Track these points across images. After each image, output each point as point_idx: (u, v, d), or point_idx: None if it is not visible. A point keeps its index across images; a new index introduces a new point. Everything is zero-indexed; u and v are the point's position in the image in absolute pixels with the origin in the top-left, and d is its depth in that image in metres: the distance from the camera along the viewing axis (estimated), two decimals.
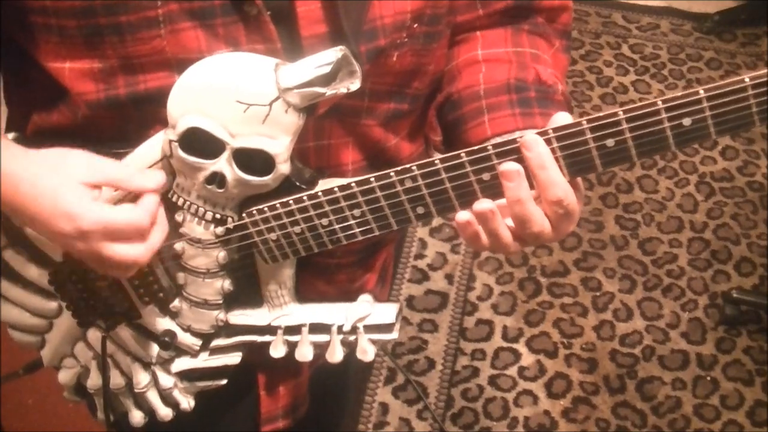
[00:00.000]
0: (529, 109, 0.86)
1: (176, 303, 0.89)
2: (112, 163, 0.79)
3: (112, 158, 0.81)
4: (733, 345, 2.13)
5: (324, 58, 0.72)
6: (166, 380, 0.93)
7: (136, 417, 0.97)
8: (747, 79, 0.68)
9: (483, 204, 0.75)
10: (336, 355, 0.88)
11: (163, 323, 0.91)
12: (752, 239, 2.37)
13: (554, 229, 0.77)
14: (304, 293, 0.90)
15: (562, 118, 0.75)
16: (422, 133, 0.96)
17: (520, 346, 2.14)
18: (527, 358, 2.12)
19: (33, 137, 0.87)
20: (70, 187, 0.75)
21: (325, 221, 0.80)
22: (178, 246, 0.85)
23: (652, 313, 2.20)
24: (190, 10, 0.74)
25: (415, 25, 0.81)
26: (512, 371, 2.09)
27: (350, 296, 0.90)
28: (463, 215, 0.76)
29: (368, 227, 0.80)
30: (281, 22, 0.76)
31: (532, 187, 0.75)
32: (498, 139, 0.83)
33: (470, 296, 2.25)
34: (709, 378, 2.07)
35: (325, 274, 0.93)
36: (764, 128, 2.66)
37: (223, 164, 0.77)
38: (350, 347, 0.87)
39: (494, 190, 0.76)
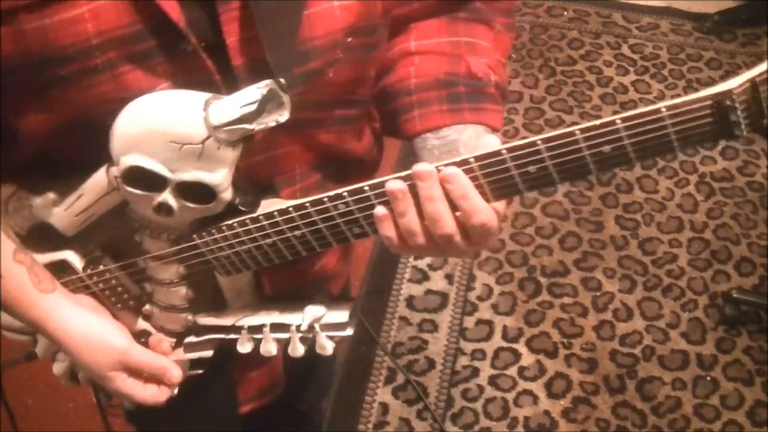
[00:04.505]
0: (458, 105, 0.87)
1: (147, 307, 0.94)
2: (143, 354, 0.90)
3: (58, 188, 0.85)
4: (733, 345, 2.13)
5: (249, 97, 0.74)
6: None
7: (127, 402, 1.01)
8: (663, 109, 0.68)
9: (395, 183, 0.76)
10: (297, 350, 0.91)
11: (139, 323, 0.96)
12: (752, 239, 2.37)
13: (475, 244, 0.78)
14: (268, 285, 0.94)
15: (489, 142, 0.76)
16: (371, 125, 0.97)
17: (520, 346, 2.14)
18: (527, 358, 2.12)
19: None
20: (103, 370, 0.87)
21: (269, 241, 0.83)
22: (141, 261, 0.89)
23: (652, 313, 2.20)
24: (128, 54, 0.75)
25: (350, 39, 0.82)
26: (512, 371, 2.09)
27: (314, 278, 0.96)
28: (380, 209, 0.77)
29: (310, 246, 0.83)
30: (216, 55, 0.77)
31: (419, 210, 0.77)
32: (431, 136, 0.86)
33: (470, 296, 2.25)
34: (709, 378, 2.07)
35: (286, 265, 0.95)
36: None
37: (168, 196, 0.80)
38: (310, 343, 0.91)
39: None
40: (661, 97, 2.76)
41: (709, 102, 0.67)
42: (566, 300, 2.24)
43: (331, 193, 0.78)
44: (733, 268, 2.30)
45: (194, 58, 0.76)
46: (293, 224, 0.81)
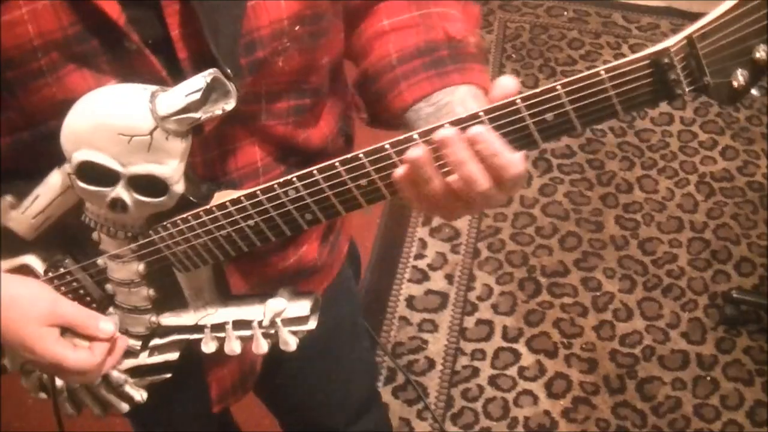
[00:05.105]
0: (444, 68, 0.86)
1: (111, 310, 0.93)
2: (72, 307, 0.86)
3: (15, 191, 0.85)
4: (733, 345, 2.13)
5: (193, 85, 0.74)
6: (117, 377, 0.97)
7: (96, 411, 1.00)
8: (603, 72, 0.68)
9: (417, 150, 0.74)
10: (261, 347, 0.91)
11: None
12: (752, 239, 2.37)
13: (507, 193, 0.76)
14: (236, 283, 0.94)
15: (503, 82, 0.74)
16: (332, 115, 0.96)
17: (520, 346, 2.14)
18: (527, 358, 2.12)
19: None
20: (32, 327, 0.83)
21: (224, 233, 0.84)
22: (101, 261, 0.89)
23: (652, 313, 2.20)
24: (71, 55, 0.75)
25: (297, 28, 0.82)
26: (512, 371, 2.09)
27: (290, 271, 0.95)
28: (399, 170, 0.75)
29: (264, 235, 0.83)
30: (161, 50, 0.77)
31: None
32: (423, 105, 0.84)
33: (470, 296, 2.25)
34: (709, 378, 2.07)
35: (256, 261, 0.95)
36: (764, 128, 2.67)
37: (121, 190, 0.80)
38: (273, 339, 0.91)
39: (374, 194, 0.78)
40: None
41: (647, 62, 0.67)
42: (566, 300, 2.24)
43: (281, 180, 0.79)
44: (733, 268, 2.30)
45: (139, 56, 0.76)
46: (246, 213, 0.81)
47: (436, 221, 2.43)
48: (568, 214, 2.45)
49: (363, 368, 1.40)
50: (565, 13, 3.14)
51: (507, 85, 0.73)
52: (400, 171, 0.75)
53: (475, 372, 2.10)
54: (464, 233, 2.41)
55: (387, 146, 0.75)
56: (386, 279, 2.30)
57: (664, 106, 2.73)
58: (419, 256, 2.35)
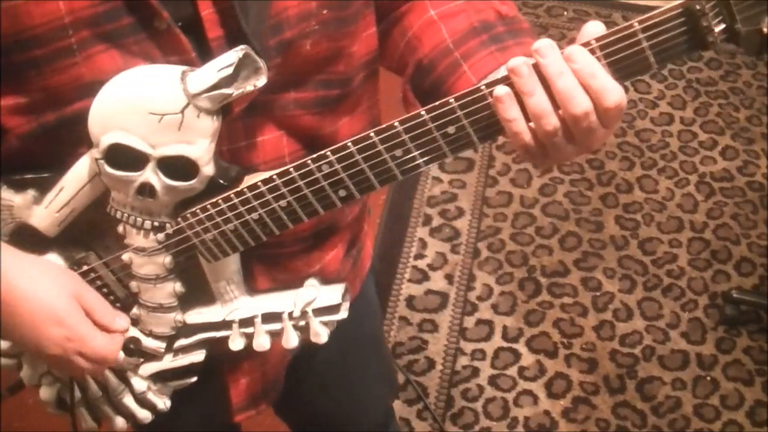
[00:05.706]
0: (503, 44, 0.86)
1: (135, 310, 0.91)
2: (95, 292, 0.88)
3: (39, 185, 0.85)
4: (733, 345, 2.13)
5: (225, 60, 0.74)
6: (140, 384, 0.95)
7: (118, 423, 0.98)
8: (636, 24, 0.70)
9: (517, 60, 0.72)
10: (291, 341, 0.90)
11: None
12: (752, 239, 2.37)
13: (608, 127, 0.74)
14: (262, 284, 0.93)
15: (593, 28, 0.73)
16: (367, 112, 0.96)
17: (520, 346, 2.14)
18: (527, 358, 2.12)
19: None
20: (65, 298, 0.84)
21: (255, 215, 0.83)
22: (126, 257, 0.88)
23: (652, 313, 2.20)
24: (101, 34, 0.75)
25: (325, 11, 0.81)
26: (512, 371, 2.09)
27: (310, 279, 0.93)
28: (501, 89, 0.73)
29: (296, 216, 0.82)
30: (191, 31, 0.77)
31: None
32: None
33: (470, 296, 2.25)
34: (709, 378, 2.07)
35: (278, 263, 0.95)
36: (764, 128, 2.67)
37: (150, 174, 0.79)
38: (304, 332, 0.90)
39: (407, 164, 0.78)
40: (662, 97, 2.77)
41: (679, 10, 0.69)
42: (566, 300, 2.24)
43: (314, 155, 0.78)
44: (733, 268, 2.30)
45: (169, 36, 0.76)
46: (278, 193, 0.81)
47: (436, 221, 2.43)
48: (568, 214, 2.45)
49: (383, 384, 1.38)
50: (565, 13, 3.14)
51: (599, 31, 0.72)
52: (502, 88, 0.72)
53: (475, 372, 2.10)
54: (464, 233, 2.41)
55: (423, 113, 0.75)
56: (386, 279, 2.30)
57: (664, 106, 2.74)
58: (419, 256, 2.35)
